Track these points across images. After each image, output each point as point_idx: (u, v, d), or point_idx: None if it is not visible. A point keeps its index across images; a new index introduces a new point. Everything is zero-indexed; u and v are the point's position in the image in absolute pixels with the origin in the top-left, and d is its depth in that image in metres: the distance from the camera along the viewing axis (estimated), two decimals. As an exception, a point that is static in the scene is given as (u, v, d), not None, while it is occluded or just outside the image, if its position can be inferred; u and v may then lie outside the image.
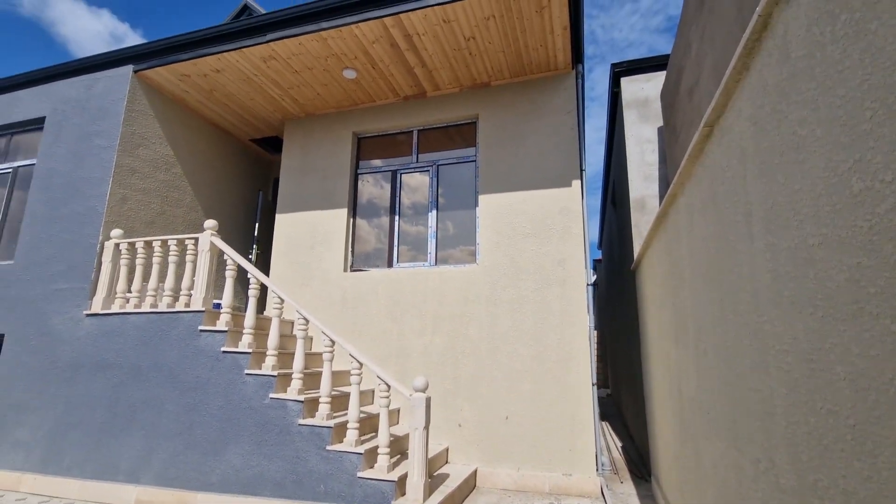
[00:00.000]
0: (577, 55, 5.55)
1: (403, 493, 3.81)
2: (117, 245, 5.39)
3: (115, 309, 5.18)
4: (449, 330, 5.45)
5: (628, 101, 6.47)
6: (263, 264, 7.07)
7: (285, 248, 6.43)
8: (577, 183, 5.42)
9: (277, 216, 6.61)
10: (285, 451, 4.13)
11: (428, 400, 3.90)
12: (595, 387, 4.96)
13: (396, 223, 6.20)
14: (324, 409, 4.18)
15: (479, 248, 5.64)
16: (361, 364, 4.16)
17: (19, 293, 5.66)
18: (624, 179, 6.80)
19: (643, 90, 6.46)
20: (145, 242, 5.26)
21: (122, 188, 5.73)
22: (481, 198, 5.73)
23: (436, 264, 5.89)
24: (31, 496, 4.80)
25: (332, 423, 4.08)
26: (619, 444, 6.95)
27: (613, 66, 6.63)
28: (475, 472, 4.95)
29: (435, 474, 4.51)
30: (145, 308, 5.05)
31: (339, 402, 4.66)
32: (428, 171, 6.21)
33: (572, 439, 4.84)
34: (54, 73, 6.41)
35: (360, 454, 3.90)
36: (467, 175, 6.06)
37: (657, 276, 3.86)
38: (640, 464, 5.61)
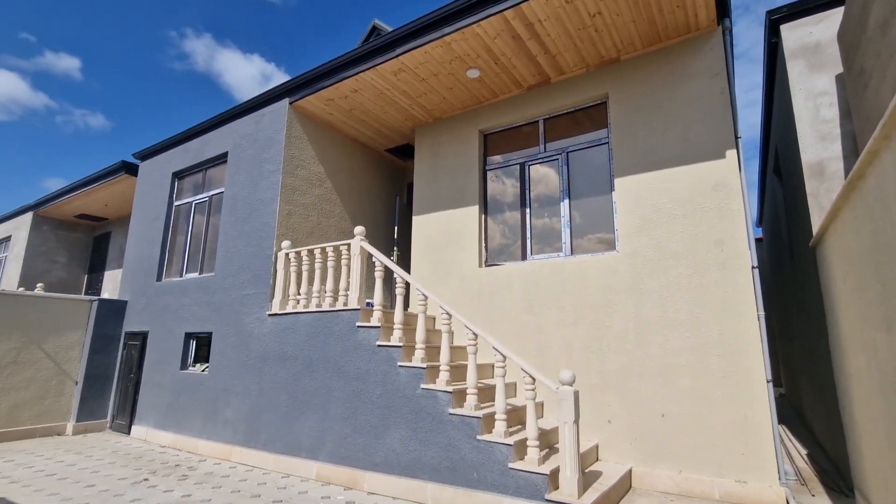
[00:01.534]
0: (723, 9, 4.90)
1: (556, 487, 3.77)
2: (287, 254, 6.26)
3: (289, 309, 6.02)
4: (591, 321, 5.23)
5: (792, 49, 5.52)
6: (404, 265, 7.58)
7: (423, 248, 6.81)
8: (732, 153, 4.78)
9: (414, 218, 7.03)
10: (438, 438, 4.37)
11: (576, 393, 3.79)
12: (770, 384, 4.32)
13: (527, 215, 6.15)
14: (471, 399, 4.32)
15: (618, 235, 5.32)
16: (505, 357, 4.21)
17: (221, 299, 6.90)
18: (791, 143, 5.82)
19: (811, 35, 5.46)
20: (308, 251, 6.01)
21: (287, 205, 6.63)
22: (617, 181, 5.38)
23: (572, 254, 5.70)
24: (240, 465, 5.82)
25: (480, 413, 4.20)
26: (804, 452, 5.96)
27: (769, 13, 5.72)
28: (630, 471, 4.67)
29: (586, 471, 4.37)
30: (312, 308, 5.78)
31: (483, 394, 4.78)
32: (557, 159, 6.04)
33: (744, 442, 4.29)
34: (231, 114, 7.68)
35: (510, 445, 3.95)
36: (599, 159, 5.75)
37: (852, 251, 3.22)
38: (835, 475, 4.75)
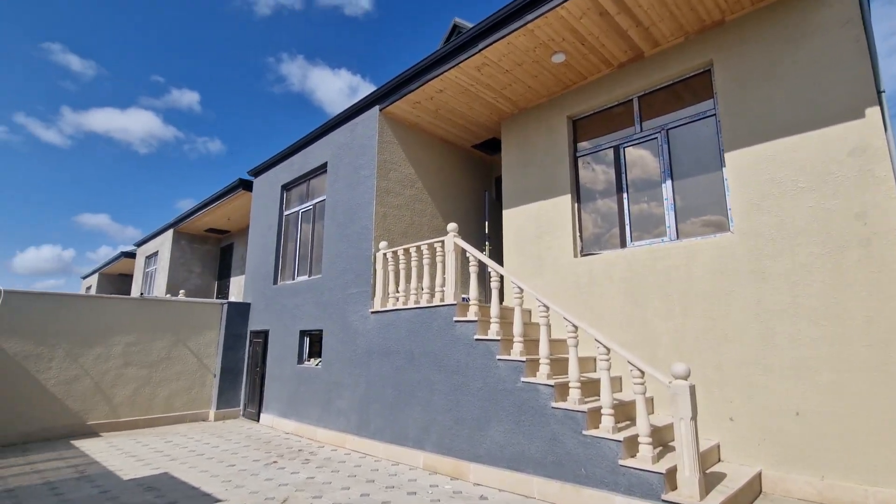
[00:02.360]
0: (854, -56, 4.22)
1: (674, 488, 3.53)
2: (384, 254, 6.57)
3: (389, 306, 6.32)
4: (702, 311, 4.82)
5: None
6: (496, 259, 7.58)
7: (514, 241, 6.76)
8: (873, 111, 4.10)
9: (504, 212, 7.00)
10: (542, 432, 4.32)
11: (692, 387, 3.51)
12: (940, 379, 3.65)
13: (625, 201, 5.82)
14: (574, 393, 4.21)
15: (731, 214, 4.83)
16: (609, 349, 4.04)
17: (328, 298, 7.46)
18: (956, 91, 4.83)
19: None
20: (404, 250, 6.26)
21: (382, 207, 6.97)
22: (728, 156, 4.89)
23: (677, 238, 5.29)
24: (354, 452, 6.25)
25: (585, 407, 4.08)
26: None
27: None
28: (759, 474, 4.23)
29: (707, 472, 4.04)
30: (411, 304, 6.01)
31: (586, 388, 4.63)
32: (655, 138, 5.64)
33: (908, 447, 3.67)
34: (328, 127, 8.24)
35: (620, 441, 3.78)
36: (705, 134, 5.26)
37: None
38: None
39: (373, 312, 6.53)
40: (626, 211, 5.80)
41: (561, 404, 4.23)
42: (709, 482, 3.74)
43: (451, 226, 5.68)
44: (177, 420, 8.50)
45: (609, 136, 6.12)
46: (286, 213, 9.34)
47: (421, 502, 4.27)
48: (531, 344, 5.13)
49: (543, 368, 4.49)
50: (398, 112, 7.23)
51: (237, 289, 14.00)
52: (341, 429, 6.66)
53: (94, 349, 7.74)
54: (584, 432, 4.01)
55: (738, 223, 4.74)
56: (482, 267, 5.53)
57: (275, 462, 5.76)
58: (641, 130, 5.78)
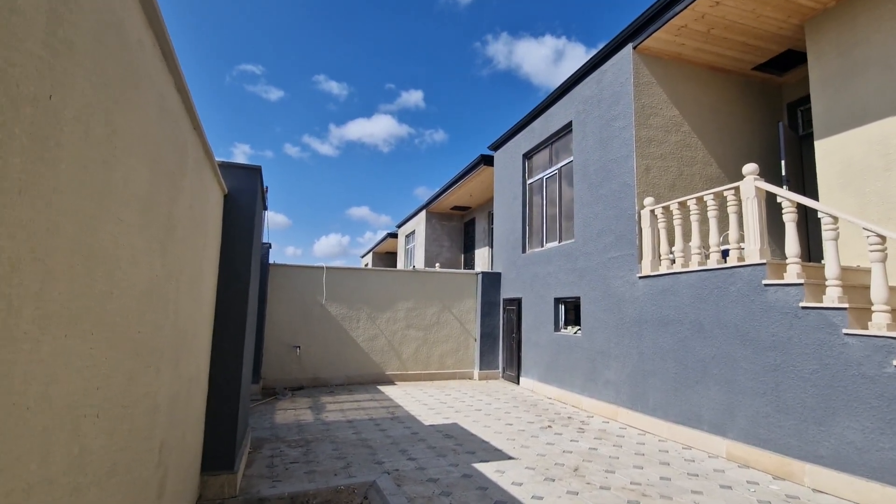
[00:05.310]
0: None
1: None
2: (652, 211, 5.78)
3: (663, 270, 5.55)
4: None
5: None
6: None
7: (840, 180, 5.05)
8: None
9: (817, 143, 5.31)
10: (943, 440, 3.03)
11: None
12: None
13: None
14: None
15: None
16: None
17: (584, 264, 7.09)
18: None
19: None
20: (679, 203, 5.36)
21: (644, 159, 6.14)
22: None
23: None
24: (630, 427, 5.80)
25: None
26: None
27: None
28: None
29: None
30: (694, 266, 5.12)
31: None
32: None
33: None
34: (568, 84, 7.73)
35: None
36: None
37: None
38: None
39: (642, 277, 5.86)
40: None
41: (984, 403, 2.86)
42: None
43: (750, 167, 4.53)
44: (449, 377, 9.57)
45: None
46: (529, 181, 9.30)
47: (743, 500, 3.54)
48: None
49: (938, 350, 3.13)
50: (656, 45, 6.19)
51: (481, 260, 15.00)
52: (610, 400, 6.28)
53: (385, 313, 9.27)
54: None
55: None
56: (802, 213, 4.24)
57: (549, 426, 5.78)
58: None
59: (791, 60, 6.41)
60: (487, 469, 4.18)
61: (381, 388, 8.51)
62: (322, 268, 9.00)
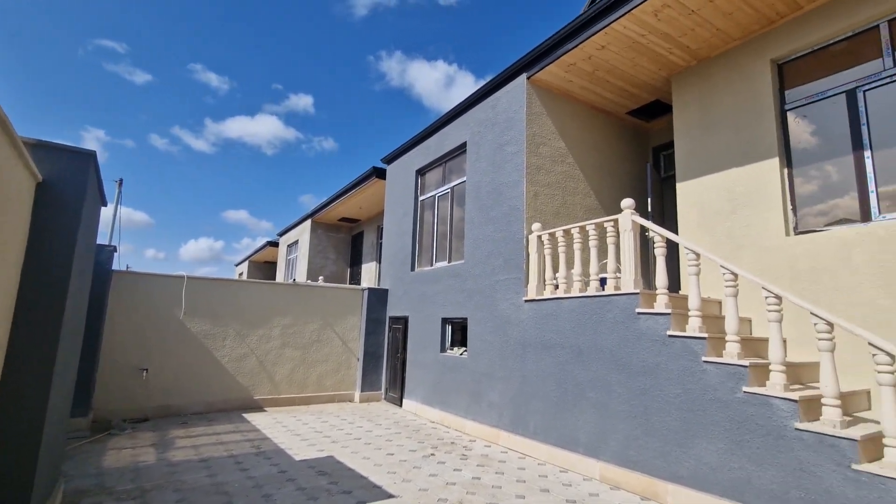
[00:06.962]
0: None
1: None
2: (539, 237, 5.94)
3: (547, 294, 5.69)
4: None
5: None
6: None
7: (697, 219, 5.67)
8: None
9: (679, 185, 5.93)
10: (779, 460, 3.38)
11: None
12: None
13: (868, 160, 4.45)
14: (832, 413, 3.19)
15: None
16: (894, 358, 2.96)
17: (473, 285, 7.07)
18: None
19: None
20: (564, 231, 5.57)
21: (533, 185, 6.33)
22: None
23: (965, 208, 3.86)
24: (511, 451, 5.78)
25: (856, 434, 3.05)
26: None
27: None
28: None
29: None
30: (575, 293, 5.32)
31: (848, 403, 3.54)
32: (920, 73, 4.19)
33: None
34: (465, 105, 7.78)
35: (924, 486, 2.73)
36: None
37: None
38: None
39: (527, 301, 5.96)
40: (870, 173, 4.43)
41: (811, 426, 3.24)
42: None
43: (628, 201, 4.85)
44: (327, 399, 8.87)
45: (835, 76, 4.74)
46: (422, 198, 9.16)
47: (617, 527, 3.61)
48: (752, 344, 4.15)
49: (777, 377, 3.51)
50: (548, 78, 6.48)
51: (368, 275, 14.49)
52: (493, 423, 6.25)
53: (258, 330, 8.31)
54: (855, 467, 3.00)
55: None
56: (670, 249, 4.61)
57: (432, 454, 5.53)
58: (895, 65, 4.34)
59: (658, 109, 7.17)
60: (364, 513, 3.75)
61: (248, 415, 7.53)
62: (182, 277, 7.79)
